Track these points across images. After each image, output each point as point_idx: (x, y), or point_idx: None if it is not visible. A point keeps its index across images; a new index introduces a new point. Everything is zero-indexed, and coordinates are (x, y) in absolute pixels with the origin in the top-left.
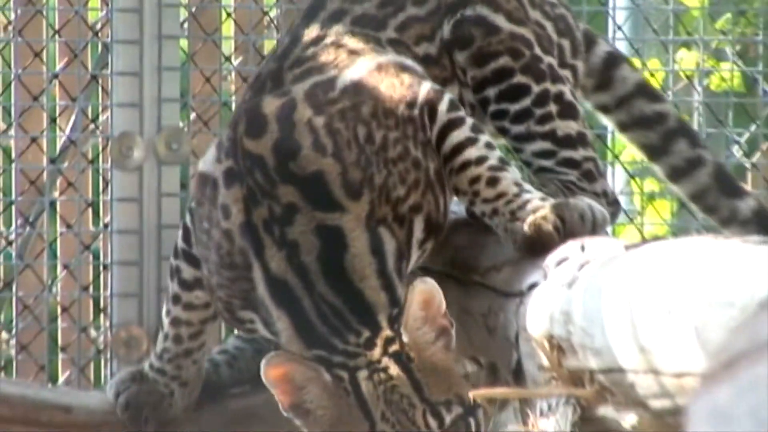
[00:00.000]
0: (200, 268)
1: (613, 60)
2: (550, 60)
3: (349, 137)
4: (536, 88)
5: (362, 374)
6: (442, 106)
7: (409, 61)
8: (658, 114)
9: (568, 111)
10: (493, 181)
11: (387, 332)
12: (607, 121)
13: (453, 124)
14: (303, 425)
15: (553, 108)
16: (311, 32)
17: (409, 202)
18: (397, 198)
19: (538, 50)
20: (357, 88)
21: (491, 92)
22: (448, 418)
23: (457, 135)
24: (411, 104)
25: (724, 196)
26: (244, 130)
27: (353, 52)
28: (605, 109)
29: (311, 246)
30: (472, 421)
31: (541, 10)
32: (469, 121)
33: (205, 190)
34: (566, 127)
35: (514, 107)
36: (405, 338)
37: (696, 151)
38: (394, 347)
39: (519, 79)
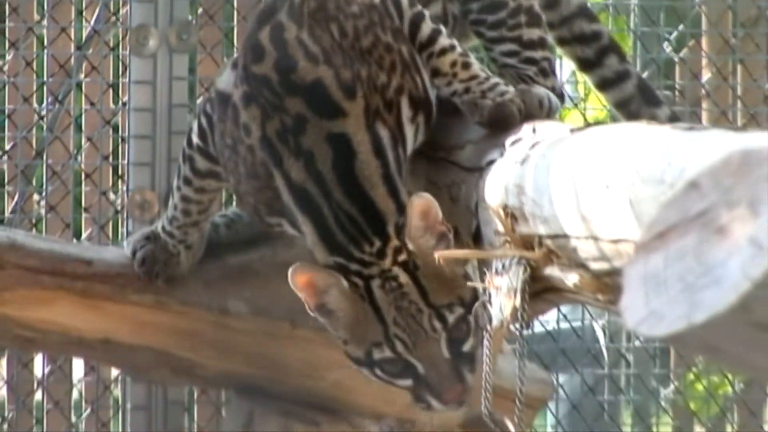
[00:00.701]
0: (215, 164)
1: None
2: None
3: (329, 40)
4: (512, 4)
5: (375, 283)
6: (404, 1)
7: None
8: (594, 32)
9: (534, 20)
10: (466, 65)
11: (395, 242)
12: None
13: (418, 17)
14: (327, 324)
15: (522, 18)
16: None
17: (392, 85)
18: (382, 85)
19: None
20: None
21: (474, 6)
22: (451, 319)
23: (426, 27)
24: (379, 13)
25: (645, 104)
26: (249, 58)
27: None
28: (550, 25)
29: (325, 154)
30: (471, 318)
31: None
32: (427, 13)
33: (226, 109)
34: (530, 33)
35: (491, 18)
36: (410, 247)
37: (624, 65)
38: (402, 257)
39: None
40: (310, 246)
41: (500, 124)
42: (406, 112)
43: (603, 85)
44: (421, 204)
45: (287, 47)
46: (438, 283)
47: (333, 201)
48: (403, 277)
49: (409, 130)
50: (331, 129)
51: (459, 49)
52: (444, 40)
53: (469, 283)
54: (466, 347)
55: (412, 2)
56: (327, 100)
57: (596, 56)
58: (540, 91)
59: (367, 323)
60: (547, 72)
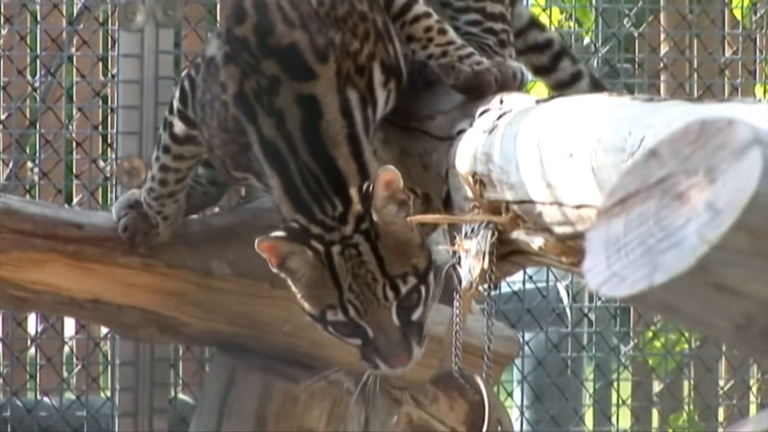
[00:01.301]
0: (193, 128)
1: (512, 1)
2: None
3: (307, 6)
4: None
5: (335, 249)
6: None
7: None
8: (547, 40)
9: None
10: (442, 31)
11: (357, 208)
12: None
13: (409, 3)
14: (289, 281)
15: None
16: None
17: (364, 52)
18: (354, 51)
19: None
20: None
21: None
22: (404, 289)
23: (416, 9)
24: None
25: None
26: (231, 20)
27: None
28: None
29: (294, 114)
30: (422, 288)
31: None
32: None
33: (208, 69)
34: (493, 7)
35: None
36: (375, 217)
37: (576, 67)
38: (365, 225)
39: None
40: (277, 201)
41: (476, 90)
42: (378, 77)
43: (559, 87)
44: (386, 175)
45: (267, 11)
46: (395, 253)
47: (299, 159)
48: (364, 246)
49: (380, 95)
50: (302, 91)
51: (435, 17)
52: (418, 8)
53: (439, 246)
54: (415, 316)
55: None
56: (300, 63)
57: (550, 62)
58: (514, 64)
59: (324, 286)
60: (505, 43)
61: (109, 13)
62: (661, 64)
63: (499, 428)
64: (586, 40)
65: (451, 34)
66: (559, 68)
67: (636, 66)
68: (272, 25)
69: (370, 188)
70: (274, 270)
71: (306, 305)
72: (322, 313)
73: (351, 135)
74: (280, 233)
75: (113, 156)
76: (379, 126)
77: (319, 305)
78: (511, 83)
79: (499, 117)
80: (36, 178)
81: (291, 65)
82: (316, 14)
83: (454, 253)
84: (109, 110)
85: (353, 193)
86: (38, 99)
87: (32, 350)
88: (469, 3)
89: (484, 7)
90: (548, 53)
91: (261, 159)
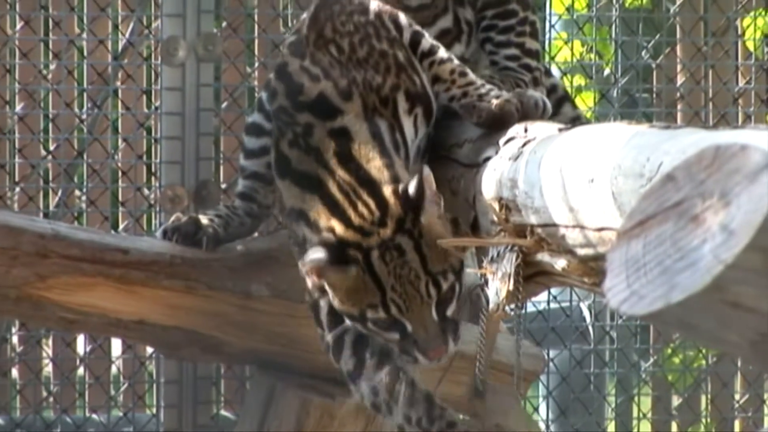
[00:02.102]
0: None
1: None
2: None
3: (328, 59)
4: (521, 14)
5: (375, 254)
6: (402, 19)
7: None
8: (552, 85)
9: (535, 34)
10: (463, 74)
11: (396, 210)
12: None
13: (418, 33)
14: (330, 296)
15: (527, 29)
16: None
17: (387, 84)
18: (377, 85)
19: None
20: (315, 18)
21: (489, 13)
22: (444, 286)
23: (426, 41)
24: (364, 12)
25: None
26: (268, 100)
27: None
28: None
29: (329, 146)
30: (457, 285)
31: None
32: (424, 31)
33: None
34: (531, 44)
35: (502, 23)
36: (422, 216)
37: (576, 112)
38: (408, 225)
39: (513, 6)
40: (313, 218)
41: (499, 123)
42: (402, 105)
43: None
44: (429, 175)
45: (292, 77)
46: (436, 251)
47: (337, 177)
48: (408, 246)
49: (406, 121)
50: (333, 126)
51: (456, 61)
52: (442, 53)
53: (467, 269)
54: (450, 311)
55: (411, 21)
56: (328, 106)
57: (554, 106)
58: (536, 93)
59: (365, 290)
60: (539, 81)
61: (152, 49)
62: (678, 94)
63: None
64: (607, 71)
65: (471, 76)
66: (561, 112)
67: (654, 96)
68: (300, 86)
69: (410, 189)
70: (315, 281)
71: (344, 306)
72: (361, 312)
73: (382, 151)
74: (320, 255)
75: (157, 184)
76: (418, 158)
77: (358, 305)
78: (533, 112)
79: (524, 144)
80: (84, 205)
81: (321, 110)
82: (337, 62)
83: (482, 275)
84: (152, 141)
85: (389, 194)
86: (85, 130)
87: (81, 369)
88: (510, 38)
89: (524, 43)
90: (553, 97)
91: (296, 197)
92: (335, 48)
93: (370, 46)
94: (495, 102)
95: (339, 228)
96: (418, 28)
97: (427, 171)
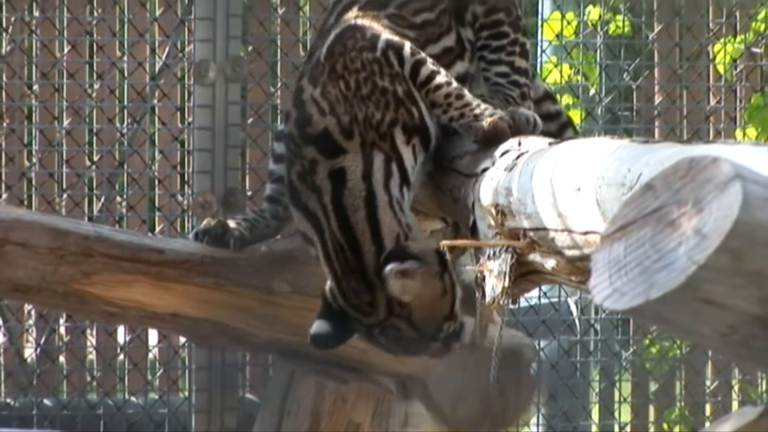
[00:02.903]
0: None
1: (532, 74)
2: (522, 22)
3: (336, 93)
4: (512, 36)
5: (376, 331)
6: (406, 51)
7: (375, 24)
8: (557, 111)
9: (525, 54)
10: (459, 96)
11: (382, 294)
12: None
13: (419, 63)
14: None
15: (517, 49)
16: (330, 20)
17: (386, 120)
18: (376, 122)
19: (516, 14)
20: (330, 52)
21: (485, 33)
22: (442, 335)
23: (425, 69)
24: (372, 49)
25: None
26: (284, 120)
27: None
28: None
29: (327, 189)
30: (453, 324)
31: None
32: (428, 58)
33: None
34: (520, 62)
35: (495, 43)
36: (405, 299)
37: (576, 137)
38: (397, 309)
39: (505, 29)
40: (318, 259)
41: (494, 139)
42: (400, 138)
43: None
44: (395, 271)
45: (305, 106)
46: (429, 317)
47: (331, 228)
48: (402, 325)
49: (405, 151)
50: (333, 166)
51: (454, 84)
52: (440, 79)
53: (466, 267)
54: (456, 340)
55: (414, 51)
56: (331, 144)
57: (557, 130)
58: (526, 111)
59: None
60: (526, 96)
61: (186, 70)
62: (656, 112)
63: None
64: (592, 91)
65: (467, 98)
66: (564, 137)
67: (634, 113)
68: (309, 117)
69: (388, 285)
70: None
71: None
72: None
73: (368, 197)
74: (324, 328)
75: (189, 192)
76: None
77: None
78: (525, 128)
79: (518, 157)
80: (124, 210)
81: (324, 146)
82: (344, 97)
83: (480, 272)
84: (185, 153)
85: (371, 274)
86: (126, 143)
87: (121, 357)
88: (501, 56)
89: (513, 61)
90: (557, 122)
91: (308, 230)
92: (344, 84)
93: (373, 84)
94: (489, 120)
95: (340, 299)
96: (420, 57)
97: (397, 268)
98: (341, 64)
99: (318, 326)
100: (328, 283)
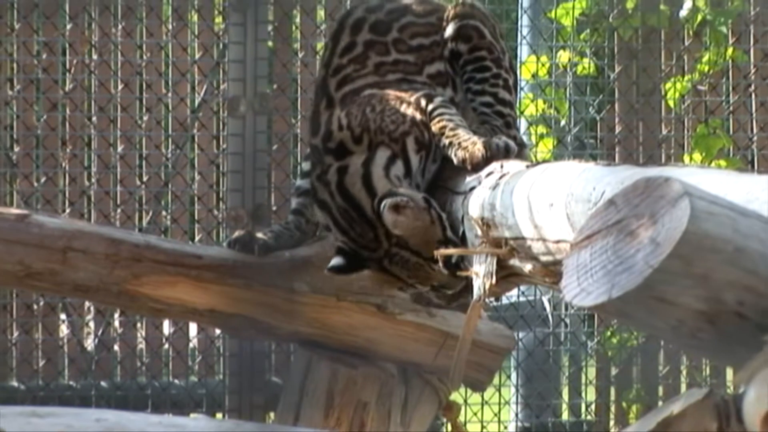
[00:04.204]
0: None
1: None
2: (505, 61)
3: (356, 113)
4: (495, 70)
5: (386, 261)
6: (431, 106)
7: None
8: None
9: (507, 87)
10: (453, 129)
11: (381, 228)
12: None
13: (438, 108)
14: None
15: (500, 83)
16: (343, 40)
17: (400, 130)
18: (389, 130)
19: (498, 53)
20: (365, 117)
21: (469, 67)
22: (440, 261)
23: (430, 105)
24: (403, 121)
25: None
26: (310, 132)
27: (378, 65)
28: None
29: (334, 180)
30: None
31: (500, 36)
32: (437, 97)
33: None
34: (504, 94)
35: (479, 75)
36: (396, 231)
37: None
38: (395, 239)
39: (488, 63)
40: (331, 232)
41: (473, 165)
42: (411, 145)
43: None
44: (389, 204)
45: (331, 123)
46: (422, 239)
47: (336, 203)
48: (404, 253)
49: (413, 157)
50: (340, 164)
51: (448, 118)
52: (439, 111)
53: (457, 273)
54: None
55: (442, 102)
56: (343, 149)
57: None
58: (500, 140)
59: (390, 280)
60: (510, 125)
61: (221, 105)
62: (616, 140)
63: None
64: (563, 122)
65: (458, 130)
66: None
67: (598, 141)
68: (330, 132)
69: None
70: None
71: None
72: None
73: (365, 174)
74: (339, 261)
75: (223, 207)
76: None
77: (392, 286)
78: (496, 154)
79: (500, 177)
80: (168, 222)
81: (338, 154)
82: (362, 115)
83: (468, 275)
84: (220, 174)
85: (370, 214)
86: (170, 166)
87: (166, 346)
88: (485, 88)
89: (497, 93)
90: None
91: (317, 211)
92: (370, 108)
93: (395, 109)
94: (469, 149)
95: (351, 244)
96: (426, 91)
97: (392, 200)
98: (378, 100)
99: (335, 261)
100: (339, 240)
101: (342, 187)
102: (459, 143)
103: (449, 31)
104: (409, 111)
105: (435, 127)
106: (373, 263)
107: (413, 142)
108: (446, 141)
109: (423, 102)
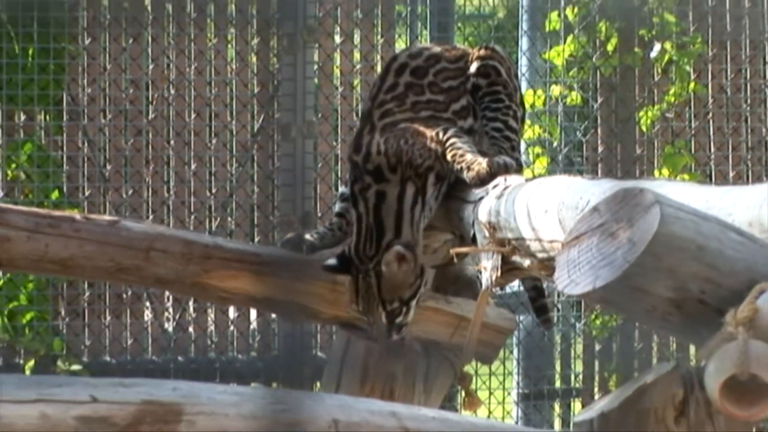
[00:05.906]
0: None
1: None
2: (516, 97)
3: (394, 142)
4: (507, 102)
5: (361, 276)
6: (445, 137)
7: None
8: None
9: (516, 118)
10: (462, 155)
11: (379, 257)
12: None
13: (445, 131)
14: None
15: (510, 113)
16: (389, 80)
17: (424, 165)
18: (416, 165)
19: (511, 89)
20: (399, 149)
21: (486, 99)
22: (388, 308)
23: (446, 136)
24: (429, 156)
25: None
26: (352, 150)
27: (414, 104)
28: None
29: (372, 201)
30: (404, 308)
31: (514, 76)
32: (455, 135)
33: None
34: (512, 123)
35: (493, 105)
36: (383, 268)
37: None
38: (377, 267)
39: (502, 96)
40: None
41: (479, 183)
42: (431, 180)
43: None
44: (396, 251)
45: (371, 146)
46: (389, 288)
47: (368, 221)
48: (372, 279)
49: (430, 190)
50: (379, 188)
51: (458, 146)
52: (452, 141)
53: (469, 267)
54: (398, 321)
55: (456, 134)
56: (381, 175)
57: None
58: (501, 159)
59: (351, 291)
60: (515, 148)
61: (275, 130)
62: (599, 158)
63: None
64: (555, 144)
65: (467, 156)
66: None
67: (584, 159)
68: (370, 155)
69: (385, 257)
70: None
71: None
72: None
73: (398, 211)
74: (333, 262)
75: (278, 214)
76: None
77: (349, 297)
78: (497, 170)
79: (504, 189)
80: (233, 227)
81: (376, 177)
82: (397, 145)
83: (478, 269)
84: (275, 186)
85: (384, 243)
86: (234, 181)
87: (231, 327)
88: (498, 116)
89: (507, 121)
90: None
91: (354, 222)
92: (404, 140)
93: (426, 148)
94: (476, 169)
95: (353, 251)
96: (452, 138)
97: (399, 249)
98: (410, 134)
99: (330, 261)
100: (349, 244)
101: (378, 211)
102: (468, 166)
103: (473, 68)
104: (433, 145)
105: (449, 155)
106: (353, 271)
107: (434, 177)
108: (458, 166)
109: (441, 135)
